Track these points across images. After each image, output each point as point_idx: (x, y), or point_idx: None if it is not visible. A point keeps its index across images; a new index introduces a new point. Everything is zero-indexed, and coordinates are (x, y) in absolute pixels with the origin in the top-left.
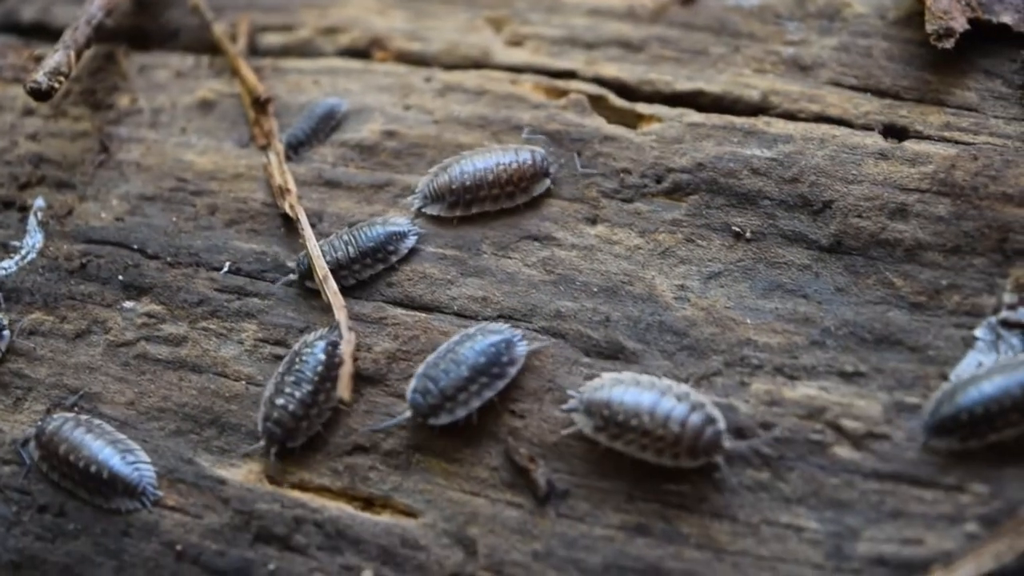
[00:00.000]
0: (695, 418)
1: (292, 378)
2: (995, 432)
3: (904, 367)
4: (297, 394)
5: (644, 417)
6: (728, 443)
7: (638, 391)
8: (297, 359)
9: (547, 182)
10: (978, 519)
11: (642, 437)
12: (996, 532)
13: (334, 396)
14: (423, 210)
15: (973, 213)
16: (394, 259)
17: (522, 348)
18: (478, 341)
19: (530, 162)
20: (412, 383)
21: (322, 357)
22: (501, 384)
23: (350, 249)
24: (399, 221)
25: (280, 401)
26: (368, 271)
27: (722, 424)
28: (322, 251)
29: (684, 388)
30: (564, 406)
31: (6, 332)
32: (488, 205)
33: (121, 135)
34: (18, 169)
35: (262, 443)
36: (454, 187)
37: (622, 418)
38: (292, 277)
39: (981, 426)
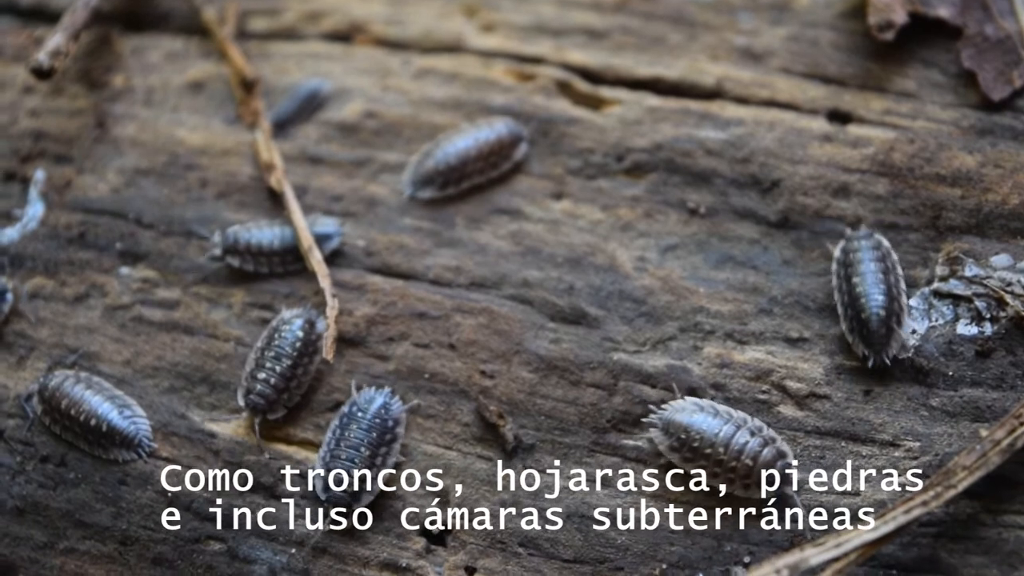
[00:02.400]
0: (767, 453)
1: (272, 353)
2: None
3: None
4: (277, 368)
5: (719, 448)
6: (796, 474)
7: (717, 422)
8: (276, 335)
9: (525, 146)
10: (910, 472)
11: (715, 466)
12: (926, 483)
13: (312, 370)
14: (416, 195)
15: (909, 192)
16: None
17: (398, 405)
18: (361, 419)
19: (506, 132)
20: (319, 483)
21: (300, 333)
22: (397, 445)
23: (275, 243)
24: (327, 222)
25: (261, 375)
26: (288, 267)
27: (792, 458)
28: (251, 231)
29: (758, 423)
30: (645, 419)
31: (9, 295)
32: (477, 178)
33: (116, 112)
34: (19, 143)
35: (244, 415)
36: (441, 169)
37: (698, 445)
38: (216, 252)
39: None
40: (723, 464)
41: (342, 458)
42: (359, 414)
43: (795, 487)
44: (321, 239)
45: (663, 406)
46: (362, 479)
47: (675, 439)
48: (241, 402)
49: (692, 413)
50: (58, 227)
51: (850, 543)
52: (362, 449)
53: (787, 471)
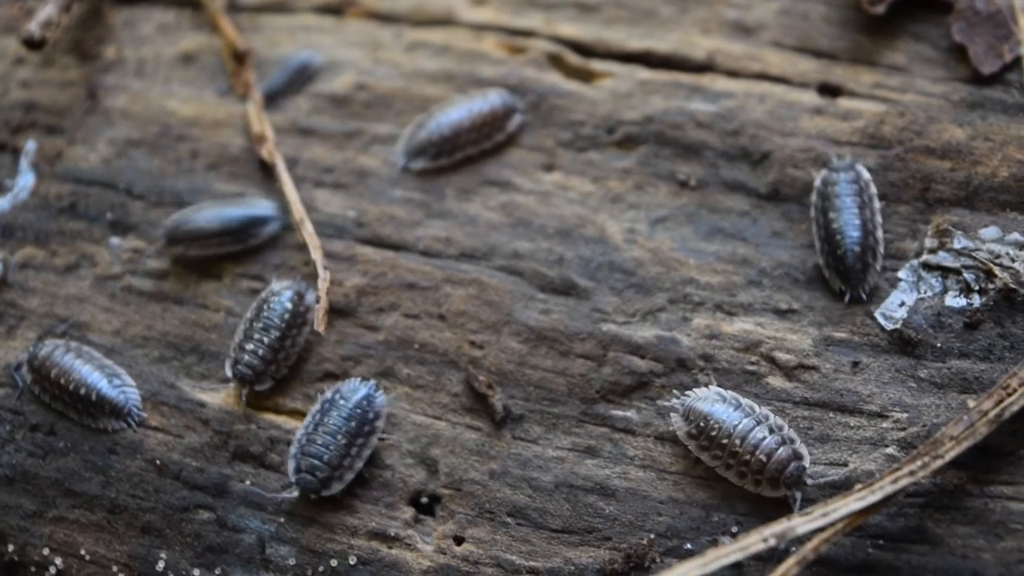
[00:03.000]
0: (783, 452)
1: (260, 324)
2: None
3: (833, 305)
4: (266, 340)
5: (736, 440)
6: (810, 480)
7: (738, 414)
8: (265, 306)
9: (519, 117)
10: (897, 443)
11: (729, 457)
12: (913, 454)
13: (300, 341)
14: (408, 166)
15: (899, 165)
16: (252, 242)
17: (381, 399)
18: (342, 407)
19: (500, 103)
20: (293, 463)
21: (289, 305)
22: (374, 439)
23: (212, 225)
24: (264, 205)
25: (249, 347)
26: (224, 248)
27: (807, 461)
28: (185, 214)
29: (779, 421)
30: (666, 402)
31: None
32: (470, 149)
33: (107, 84)
34: (10, 114)
35: (232, 385)
36: (434, 140)
37: (715, 434)
38: (160, 242)
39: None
40: (737, 456)
41: (318, 443)
42: (341, 402)
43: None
44: (258, 222)
45: (687, 392)
46: (334, 467)
47: (694, 426)
48: (229, 372)
49: (714, 402)
50: (49, 197)
51: (837, 513)
52: (339, 437)
53: (800, 474)
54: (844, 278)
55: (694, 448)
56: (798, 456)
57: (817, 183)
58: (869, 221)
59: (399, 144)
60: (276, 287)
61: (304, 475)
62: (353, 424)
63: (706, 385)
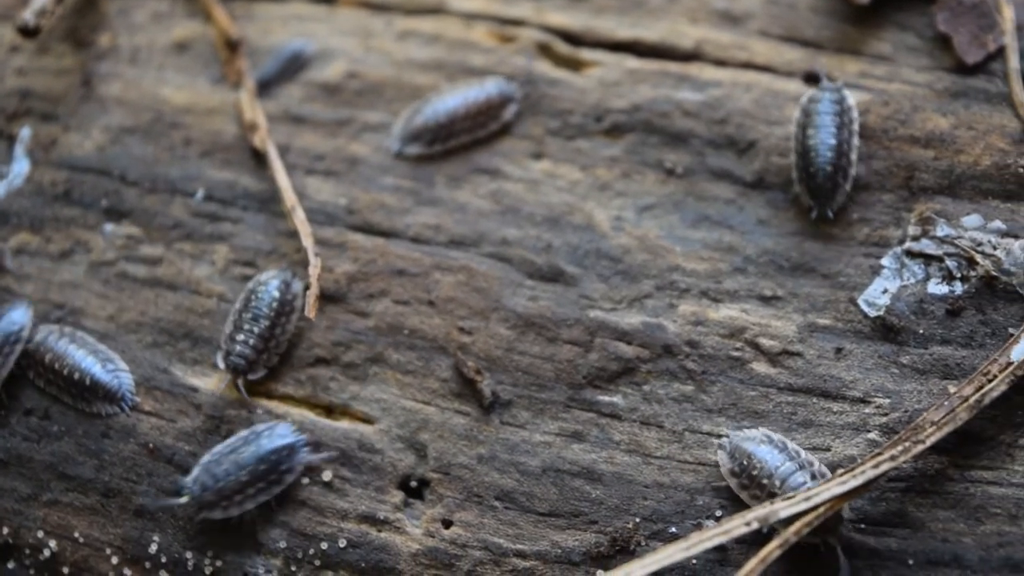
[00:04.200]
0: None
1: (250, 315)
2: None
3: (817, 292)
4: (256, 329)
5: (776, 481)
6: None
7: (781, 457)
8: (253, 296)
9: (515, 107)
10: (879, 428)
11: (767, 498)
12: (894, 439)
13: (290, 329)
14: (403, 151)
15: (883, 153)
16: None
17: (303, 456)
18: (262, 446)
19: (496, 92)
20: (195, 471)
21: (276, 294)
22: (277, 490)
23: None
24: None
25: (240, 337)
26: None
27: (845, 512)
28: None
29: (823, 469)
30: (717, 439)
31: None
32: (464, 137)
33: (102, 71)
34: (5, 102)
35: (227, 377)
36: (430, 126)
37: (756, 473)
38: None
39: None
40: (776, 499)
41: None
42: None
43: (839, 543)
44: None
45: (735, 432)
46: (227, 495)
47: (737, 464)
48: (221, 364)
49: (759, 443)
50: (43, 184)
51: (819, 496)
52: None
53: (837, 524)
54: (814, 195)
55: (734, 486)
56: None
57: (803, 100)
58: (845, 143)
59: (394, 129)
60: (263, 277)
61: (196, 487)
62: (263, 468)
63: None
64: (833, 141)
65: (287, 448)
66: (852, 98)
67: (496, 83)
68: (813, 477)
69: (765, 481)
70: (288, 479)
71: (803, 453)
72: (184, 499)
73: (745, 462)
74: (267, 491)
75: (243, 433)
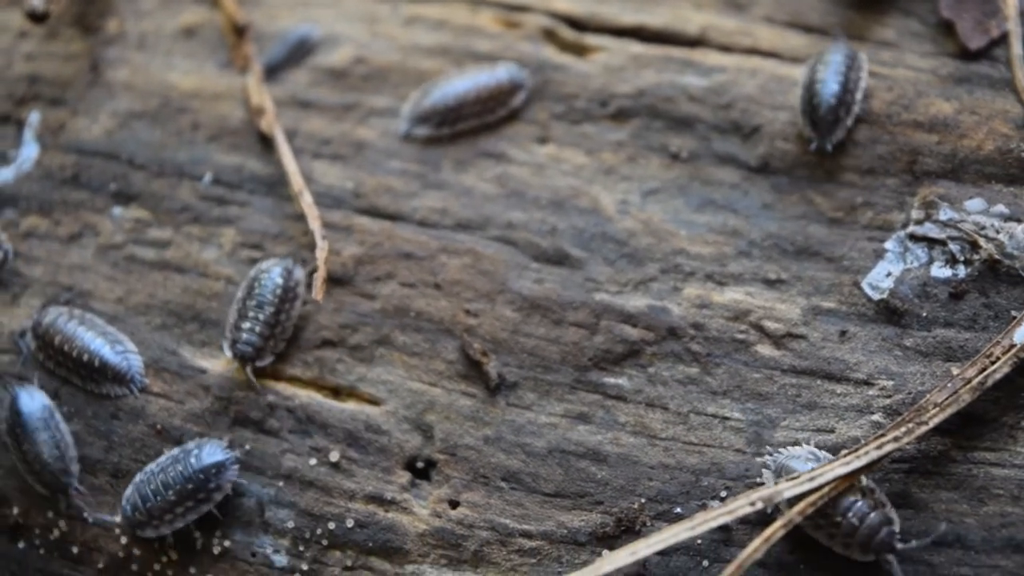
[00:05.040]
0: (874, 517)
1: (254, 302)
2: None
3: (821, 275)
4: (261, 316)
5: (827, 502)
6: (900, 546)
7: None
8: (256, 284)
9: (523, 95)
10: (883, 410)
11: (819, 518)
12: (898, 420)
13: (294, 315)
14: (411, 132)
15: (887, 138)
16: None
17: (232, 474)
18: (190, 465)
19: (506, 78)
20: (127, 490)
21: (280, 280)
22: (206, 507)
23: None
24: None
25: (246, 325)
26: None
27: (897, 526)
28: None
29: (871, 484)
30: (761, 459)
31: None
32: (472, 121)
33: (110, 57)
34: (14, 87)
35: (235, 365)
36: (439, 108)
37: None
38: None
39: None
40: (828, 518)
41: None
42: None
43: (896, 559)
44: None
45: (780, 450)
46: (157, 515)
47: None
48: (228, 353)
49: (806, 461)
50: (52, 168)
51: (823, 477)
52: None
53: (891, 540)
54: (815, 126)
55: (783, 506)
56: (889, 521)
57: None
58: (852, 82)
59: (403, 110)
60: (265, 265)
61: (127, 507)
62: (190, 487)
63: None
64: (840, 78)
65: (216, 467)
66: (865, 58)
67: (507, 69)
68: (863, 495)
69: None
70: (217, 497)
71: None
72: (118, 518)
73: None
74: (196, 509)
75: (174, 451)
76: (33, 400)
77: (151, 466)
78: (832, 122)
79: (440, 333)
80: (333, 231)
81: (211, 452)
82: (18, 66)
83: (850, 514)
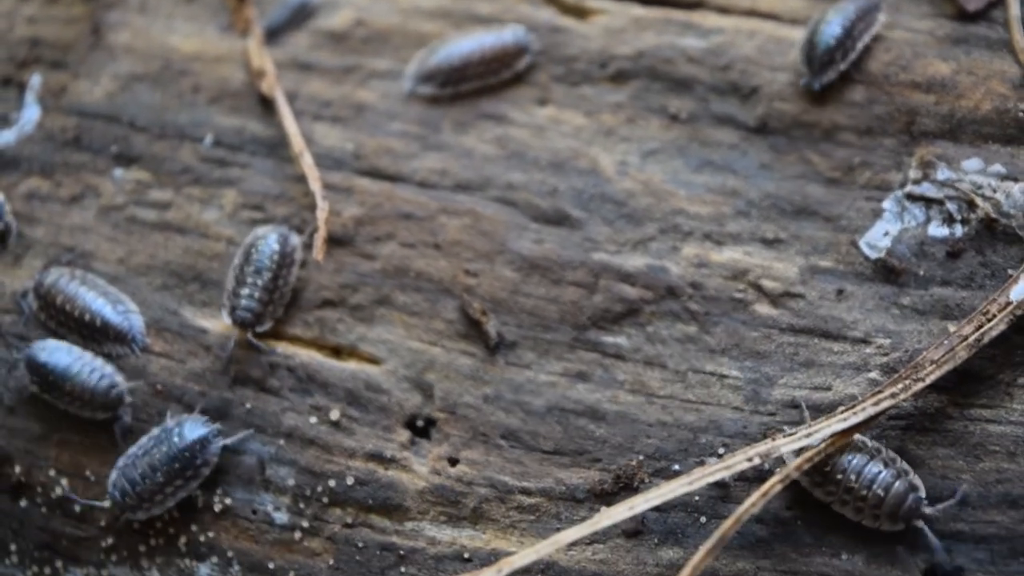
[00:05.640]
0: (899, 486)
1: (251, 268)
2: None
3: (819, 235)
4: (259, 282)
5: (851, 476)
6: (928, 510)
7: (851, 450)
8: (252, 250)
9: (528, 58)
10: (880, 368)
11: (845, 493)
12: (894, 377)
13: (292, 281)
14: (415, 91)
15: (884, 99)
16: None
17: (216, 447)
18: (174, 445)
19: (512, 41)
20: (112, 475)
21: (276, 246)
22: (195, 483)
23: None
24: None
25: (244, 291)
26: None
27: (923, 492)
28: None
29: (892, 453)
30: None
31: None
32: (475, 82)
33: (111, 20)
34: (16, 50)
35: (236, 334)
36: (443, 68)
37: (829, 470)
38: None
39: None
40: (853, 492)
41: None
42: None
43: (925, 524)
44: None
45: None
46: (147, 498)
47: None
48: (227, 320)
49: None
50: (54, 130)
51: (820, 433)
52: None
53: (918, 506)
54: (808, 63)
55: (807, 484)
56: (914, 488)
57: None
58: (856, 30)
59: (408, 69)
60: (260, 232)
61: (116, 492)
62: (177, 466)
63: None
64: (846, 24)
65: (199, 442)
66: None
67: (513, 32)
68: (885, 465)
69: (839, 476)
70: (205, 471)
71: (868, 441)
72: (107, 503)
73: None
74: (186, 487)
75: (154, 432)
76: (47, 346)
77: (133, 449)
78: (826, 63)
79: (440, 293)
80: (333, 192)
81: (193, 428)
82: (20, 29)
83: (875, 486)
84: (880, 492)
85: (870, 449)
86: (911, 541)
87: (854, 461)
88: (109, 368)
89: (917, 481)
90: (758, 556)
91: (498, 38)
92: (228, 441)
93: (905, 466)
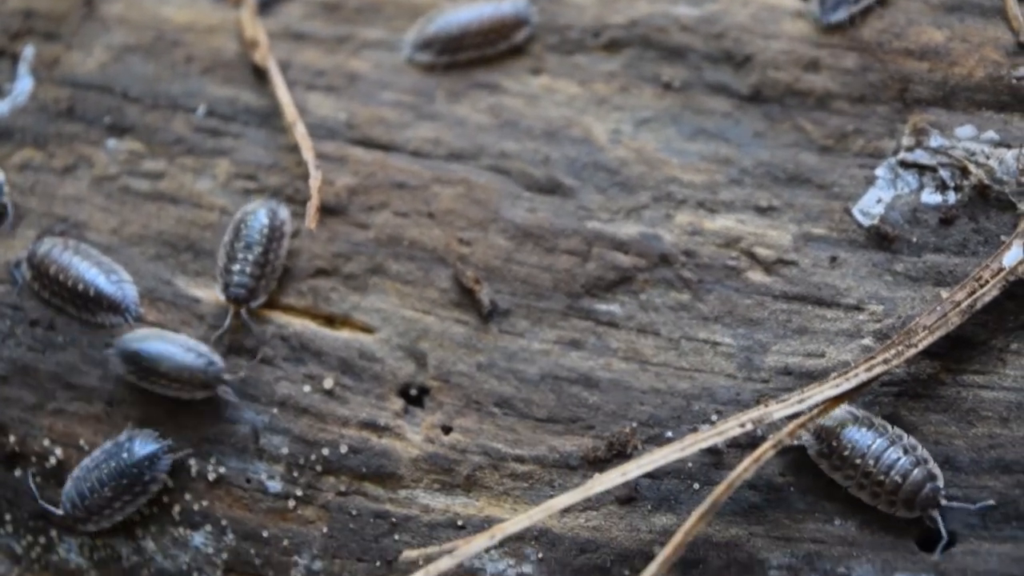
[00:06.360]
0: (918, 473)
1: (242, 243)
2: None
3: (812, 202)
4: (250, 257)
5: (870, 460)
6: (944, 501)
7: (871, 434)
8: (242, 226)
9: (528, 30)
10: (873, 334)
11: (862, 477)
12: (887, 343)
13: (283, 254)
14: (413, 58)
15: (878, 66)
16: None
17: (165, 463)
18: (123, 460)
19: (511, 12)
20: (67, 485)
21: (265, 220)
22: (143, 499)
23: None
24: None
25: (236, 267)
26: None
27: (941, 482)
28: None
29: (912, 441)
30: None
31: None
32: (472, 52)
33: None
34: (9, 21)
35: (231, 309)
36: (441, 36)
37: (848, 454)
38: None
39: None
40: (871, 477)
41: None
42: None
43: (941, 514)
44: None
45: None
46: (95, 511)
47: (826, 445)
48: (222, 296)
49: (847, 422)
50: (47, 101)
51: (812, 399)
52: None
53: (935, 495)
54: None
55: (825, 468)
56: (932, 477)
57: None
58: None
59: (407, 35)
60: (249, 207)
61: (66, 504)
62: (124, 482)
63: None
64: None
65: (148, 459)
66: None
67: (513, 3)
68: (905, 452)
69: (858, 461)
70: (154, 488)
71: (889, 427)
72: (61, 512)
73: (834, 443)
74: (133, 502)
75: (107, 445)
76: (138, 334)
77: (86, 461)
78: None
79: (433, 261)
80: (327, 162)
81: (143, 445)
82: (13, 1)
83: (893, 472)
84: (898, 479)
85: (891, 435)
86: None
87: (873, 446)
88: (204, 347)
89: (936, 471)
90: (751, 522)
91: (498, 8)
92: (178, 456)
93: (925, 454)
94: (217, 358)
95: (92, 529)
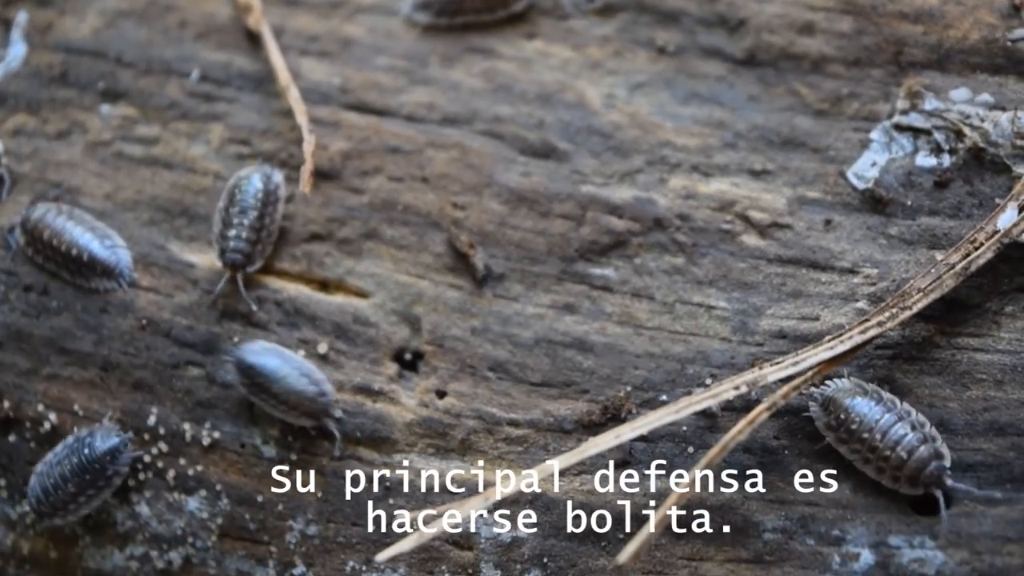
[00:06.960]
0: (924, 450)
1: (237, 208)
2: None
3: (807, 166)
4: (246, 222)
5: (876, 435)
6: (950, 481)
7: (879, 408)
8: (236, 191)
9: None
10: (867, 297)
11: (868, 452)
12: (881, 305)
13: (278, 219)
14: (412, 17)
15: (872, 29)
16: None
17: (127, 457)
18: (84, 456)
19: None
20: (32, 480)
21: (259, 185)
22: (108, 492)
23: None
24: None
25: (232, 232)
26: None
27: (947, 461)
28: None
29: (921, 418)
30: (806, 392)
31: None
32: (471, 16)
33: None
34: None
35: (227, 275)
36: None
37: (855, 427)
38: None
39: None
40: (877, 451)
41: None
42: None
43: (945, 493)
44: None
45: (827, 383)
46: (60, 506)
47: (833, 418)
48: (218, 262)
49: (855, 395)
50: (40, 67)
51: (807, 361)
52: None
53: (940, 473)
54: None
55: (832, 440)
56: (939, 455)
57: None
58: None
59: None
60: (243, 173)
61: (32, 499)
62: (88, 477)
63: (847, 377)
64: None
65: (110, 453)
66: None
67: None
68: (913, 428)
69: (865, 435)
70: (116, 481)
71: (899, 403)
72: (27, 508)
73: (842, 416)
74: (98, 496)
75: (69, 440)
76: (256, 347)
77: (49, 456)
78: None
79: (427, 226)
80: (321, 126)
81: (104, 439)
82: None
83: (899, 448)
84: (903, 454)
85: (899, 410)
86: None
87: (881, 420)
88: (321, 375)
89: (944, 449)
90: (745, 485)
91: None
92: (140, 452)
93: (934, 432)
94: (329, 388)
95: (59, 523)
